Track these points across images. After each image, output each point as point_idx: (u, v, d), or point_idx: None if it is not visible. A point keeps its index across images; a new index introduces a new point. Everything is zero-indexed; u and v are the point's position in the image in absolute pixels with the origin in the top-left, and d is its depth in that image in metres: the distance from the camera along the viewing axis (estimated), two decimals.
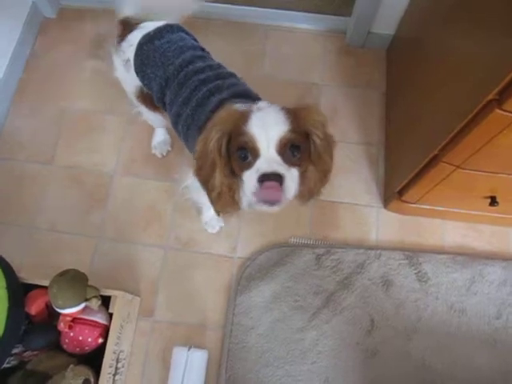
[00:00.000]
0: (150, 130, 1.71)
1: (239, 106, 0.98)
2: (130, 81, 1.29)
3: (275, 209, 0.92)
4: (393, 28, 1.78)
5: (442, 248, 1.61)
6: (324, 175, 1.02)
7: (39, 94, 1.85)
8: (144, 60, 1.19)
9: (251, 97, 1.12)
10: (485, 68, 0.97)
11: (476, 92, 0.99)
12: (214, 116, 0.99)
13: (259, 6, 1.95)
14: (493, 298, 1.53)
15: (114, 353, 1.29)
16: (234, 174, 0.97)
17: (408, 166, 1.41)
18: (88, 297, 1.25)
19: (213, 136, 0.93)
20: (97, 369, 1.25)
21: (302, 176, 0.97)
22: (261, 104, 0.96)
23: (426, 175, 1.31)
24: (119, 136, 1.76)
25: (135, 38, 1.21)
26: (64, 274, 1.24)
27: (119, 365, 1.36)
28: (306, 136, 0.94)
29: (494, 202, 1.35)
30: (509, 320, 1.51)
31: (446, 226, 1.63)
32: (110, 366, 1.26)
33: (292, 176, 0.90)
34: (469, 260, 1.58)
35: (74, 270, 1.26)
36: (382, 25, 1.79)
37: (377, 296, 1.52)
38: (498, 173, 1.21)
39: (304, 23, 1.93)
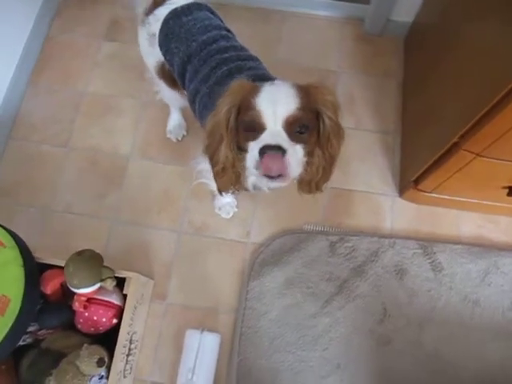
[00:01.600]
0: (166, 114, 1.71)
1: (253, 81, 0.97)
2: (153, 55, 1.29)
3: (278, 183, 0.95)
4: (412, 15, 1.75)
5: (457, 238, 1.60)
6: (330, 163, 1.00)
7: (55, 76, 1.85)
8: (169, 34, 1.19)
9: (270, 80, 1.10)
10: (508, 54, 0.96)
11: (499, 78, 0.97)
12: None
13: None
14: (507, 289, 1.52)
15: (128, 333, 1.30)
16: (240, 150, 0.97)
17: (425, 155, 1.40)
18: (103, 277, 1.25)
19: (222, 108, 0.93)
20: (110, 349, 1.26)
21: (308, 160, 0.96)
22: (275, 81, 0.96)
23: (445, 163, 1.29)
24: (135, 119, 1.76)
25: (163, 12, 1.21)
26: (80, 253, 1.25)
27: (132, 346, 1.37)
28: (316, 115, 0.93)
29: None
30: None
31: (461, 216, 1.62)
32: (124, 347, 1.27)
33: (296, 152, 0.89)
34: (484, 251, 1.56)
35: (90, 250, 1.27)
36: (401, 12, 1.76)
37: (390, 284, 1.51)
38: None
39: (322, 10, 1.91)
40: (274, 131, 0.87)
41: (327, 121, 0.93)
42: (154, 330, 1.48)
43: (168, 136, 1.71)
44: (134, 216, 1.62)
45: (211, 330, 1.45)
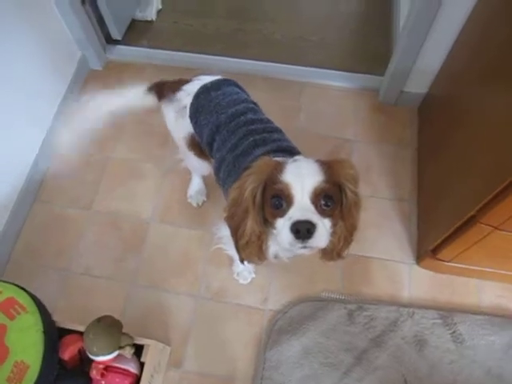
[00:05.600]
0: (187, 179, 1.76)
1: (276, 158, 1.01)
2: (182, 128, 1.36)
3: (304, 252, 0.98)
4: (426, 87, 1.82)
5: (477, 308, 1.57)
6: (350, 232, 1.03)
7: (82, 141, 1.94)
8: (199, 108, 1.27)
9: (293, 153, 1.16)
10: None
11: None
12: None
13: (295, 64, 2.04)
14: None
15: None
16: (266, 223, 0.99)
17: (443, 225, 1.41)
18: (122, 345, 1.25)
19: (248, 184, 0.95)
20: None
21: (331, 231, 0.97)
22: (297, 157, 1.00)
23: (462, 235, 1.30)
24: (156, 184, 1.82)
25: (192, 88, 1.30)
26: (100, 320, 1.25)
27: None
28: (339, 189, 0.95)
29: None
30: None
31: (481, 285, 1.60)
32: None
33: (324, 225, 0.91)
34: (506, 322, 1.53)
35: (110, 316, 1.28)
36: (415, 84, 1.83)
37: (410, 356, 1.48)
38: None
39: (338, 81, 2.00)
40: (302, 205, 0.89)
41: (349, 194, 0.96)
42: None
43: (189, 200, 1.75)
44: (152, 280, 1.63)
45: None
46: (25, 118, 1.77)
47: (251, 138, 1.17)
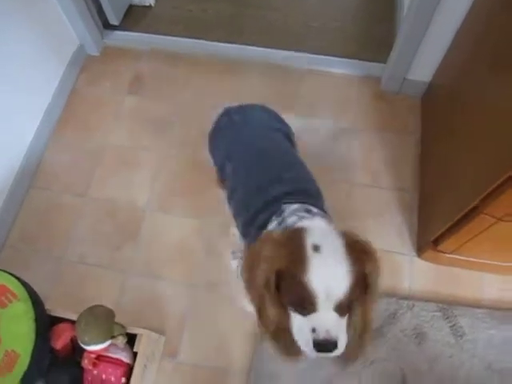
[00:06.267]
0: (183, 168, 1.73)
1: (287, 235, 0.86)
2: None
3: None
4: (429, 75, 1.78)
5: (478, 302, 1.54)
6: (366, 328, 0.90)
7: (79, 128, 1.91)
8: (217, 129, 1.26)
9: (312, 196, 1.07)
10: None
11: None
12: (261, 237, 0.89)
13: (296, 51, 2.00)
14: None
15: None
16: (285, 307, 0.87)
17: (444, 216, 1.38)
18: (114, 334, 1.23)
19: (259, 274, 0.83)
20: None
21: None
22: (319, 238, 0.82)
23: (464, 226, 1.27)
24: (153, 172, 1.79)
25: None
26: (92, 309, 1.23)
27: None
28: (362, 280, 0.82)
29: None
30: None
31: (482, 278, 1.57)
32: None
33: (344, 327, 0.82)
34: (507, 316, 1.50)
35: (102, 306, 1.25)
36: (417, 72, 1.79)
37: (409, 349, 1.45)
38: None
39: (340, 68, 1.96)
40: (327, 319, 0.78)
41: (373, 289, 0.85)
42: None
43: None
44: (147, 269, 1.61)
45: None
46: (20, 103, 1.74)
47: (266, 174, 1.10)
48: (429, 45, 1.65)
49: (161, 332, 1.48)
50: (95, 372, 1.24)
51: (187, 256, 1.63)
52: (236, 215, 1.16)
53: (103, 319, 1.21)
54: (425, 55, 1.70)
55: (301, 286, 0.77)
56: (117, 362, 1.26)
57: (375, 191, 1.72)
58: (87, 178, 1.80)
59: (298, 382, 1.41)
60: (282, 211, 0.98)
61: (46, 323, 1.26)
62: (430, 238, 1.49)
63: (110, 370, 1.25)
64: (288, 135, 1.27)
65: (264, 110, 1.28)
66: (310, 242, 0.80)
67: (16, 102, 1.72)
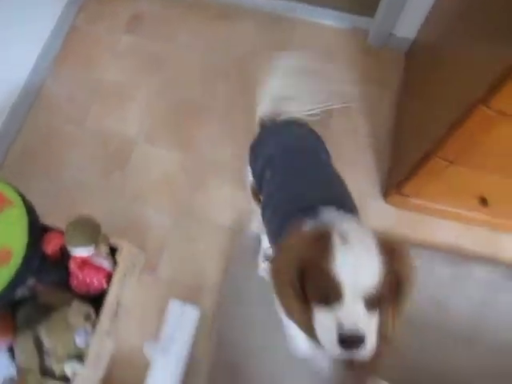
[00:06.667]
0: (173, 104, 1.84)
1: (315, 230, 0.82)
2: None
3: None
4: (413, 32, 1.86)
5: (433, 245, 1.68)
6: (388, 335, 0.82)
7: (77, 62, 2.01)
8: (258, 140, 1.28)
9: (347, 207, 1.02)
10: (477, 71, 1.07)
11: (468, 91, 1.08)
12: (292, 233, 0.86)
13: (290, 0, 2.06)
14: (476, 298, 1.60)
15: (116, 296, 1.42)
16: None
17: (407, 161, 1.50)
18: (98, 242, 1.38)
19: (282, 265, 0.81)
20: (97, 311, 1.38)
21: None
22: (348, 231, 0.77)
23: (422, 169, 1.38)
24: (145, 107, 1.90)
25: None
26: (81, 218, 1.37)
27: (119, 309, 1.48)
28: (394, 279, 0.77)
29: (484, 202, 1.43)
30: (489, 321, 1.57)
31: (440, 224, 1.70)
32: (111, 307, 1.39)
33: (373, 326, 0.76)
34: (458, 259, 1.64)
35: (89, 216, 1.39)
36: (403, 28, 1.87)
37: None
38: (489, 173, 1.29)
39: (330, 20, 2.03)
40: (354, 309, 0.73)
41: (407, 288, 0.79)
42: (142, 298, 1.60)
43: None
44: (134, 195, 1.75)
45: (194, 303, 1.56)
46: (20, 35, 1.83)
47: (304, 182, 1.09)
48: (414, 1, 1.72)
49: (142, 249, 1.63)
50: (80, 276, 1.39)
51: (172, 186, 1.76)
52: (269, 222, 1.13)
53: (89, 227, 1.36)
54: (410, 12, 1.77)
55: (326, 274, 0.73)
56: (100, 269, 1.41)
57: (353, 138, 1.83)
58: (84, 110, 1.91)
59: (266, 299, 1.56)
60: (317, 215, 0.92)
61: (38, 229, 1.39)
62: (394, 182, 1.61)
63: (93, 274, 1.40)
64: (327, 151, 1.26)
65: (301, 125, 1.29)
66: (337, 233, 0.76)
67: (15, 33, 1.81)
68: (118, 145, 1.84)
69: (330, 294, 0.74)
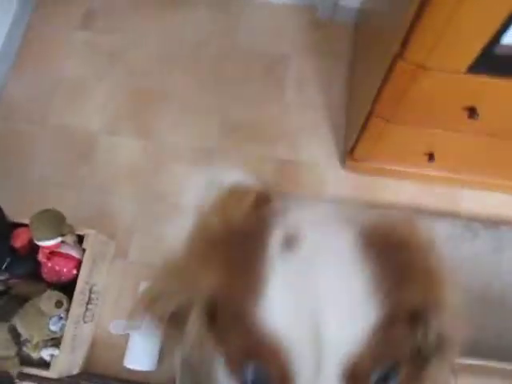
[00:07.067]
0: (130, 94, 1.90)
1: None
2: None
3: None
4: (357, 1, 1.90)
5: (394, 205, 1.74)
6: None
7: (35, 63, 2.04)
8: None
9: None
10: (394, 26, 1.11)
11: (388, 48, 1.13)
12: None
13: None
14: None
15: (86, 283, 1.48)
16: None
17: (356, 126, 1.55)
18: (64, 232, 1.44)
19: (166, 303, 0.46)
20: (71, 298, 1.44)
21: None
22: (298, 222, 0.42)
23: (366, 131, 1.44)
24: (105, 99, 1.95)
25: None
26: (43, 211, 1.43)
27: (93, 296, 1.54)
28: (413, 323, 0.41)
29: (431, 158, 1.48)
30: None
31: (397, 185, 1.75)
32: (82, 294, 1.45)
33: None
34: (418, 216, 1.70)
35: (52, 208, 1.45)
36: None
37: None
38: (427, 128, 1.34)
39: None
40: None
41: (444, 352, 0.44)
42: (115, 284, 1.66)
43: None
44: (100, 186, 1.80)
45: None
46: None
47: None
48: None
49: (113, 236, 1.70)
50: (49, 265, 1.45)
51: (136, 172, 1.81)
52: None
53: (53, 218, 1.41)
54: None
55: (252, 331, 0.37)
56: (68, 257, 1.47)
57: (309, 110, 1.88)
58: (45, 108, 1.95)
59: None
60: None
61: (6, 225, 1.46)
62: (347, 149, 1.67)
63: (62, 263, 1.46)
64: None
65: None
66: (279, 231, 0.41)
67: None
68: (82, 138, 1.89)
69: (261, 366, 0.37)
